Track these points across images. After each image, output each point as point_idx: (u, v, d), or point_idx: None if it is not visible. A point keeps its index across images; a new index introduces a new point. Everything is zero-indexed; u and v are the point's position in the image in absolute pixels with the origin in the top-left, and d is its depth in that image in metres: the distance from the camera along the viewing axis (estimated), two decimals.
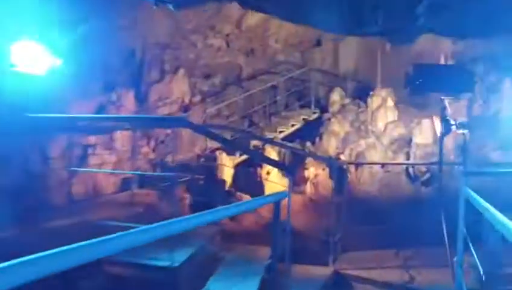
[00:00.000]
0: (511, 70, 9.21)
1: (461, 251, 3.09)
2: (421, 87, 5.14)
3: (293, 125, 9.63)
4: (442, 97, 6.42)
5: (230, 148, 7.46)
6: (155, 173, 7.28)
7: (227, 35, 10.12)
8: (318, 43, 12.61)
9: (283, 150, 8.42)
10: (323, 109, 10.10)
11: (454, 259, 3.78)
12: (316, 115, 9.93)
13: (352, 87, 12.57)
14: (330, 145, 8.06)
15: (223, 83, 11.74)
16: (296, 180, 7.41)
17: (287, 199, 3.15)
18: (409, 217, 6.35)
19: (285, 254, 3.53)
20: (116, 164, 7.45)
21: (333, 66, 13.11)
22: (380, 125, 8.29)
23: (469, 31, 10.50)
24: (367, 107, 8.70)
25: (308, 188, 7.38)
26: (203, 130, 6.34)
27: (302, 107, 11.44)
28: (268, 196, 3.05)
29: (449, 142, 7.71)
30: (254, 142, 8.97)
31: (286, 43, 11.35)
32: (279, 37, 10.87)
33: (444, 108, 5.13)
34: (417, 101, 10.74)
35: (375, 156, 7.55)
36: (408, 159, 7.46)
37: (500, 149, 7.99)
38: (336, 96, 9.37)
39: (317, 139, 8.32)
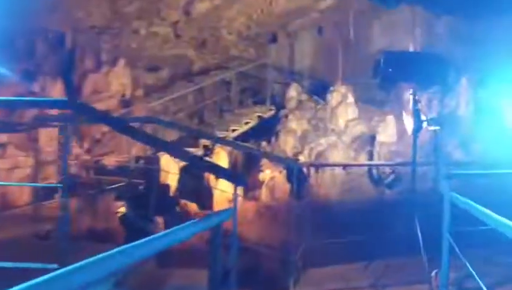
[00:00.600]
0: (467, 70, 8.69)
1: (446, 263, 2.59)
2: (392, 76, 4.27)
3: (246, 123, 8.58)
4: (411, 91, 5.65)
5: (154, 147, 6.26)
6: (42, 185, 5.59)
7: (175, 23, 8.89)
8: (274, 39, 11.67)
9: (235, 151, 7.36)
10: (280, 106, 9.13)
11: (433, 273, 3.44)
12: (271, 112, 8.94)
13: (309, 85, 11.75)
14: (287, 144, 7.08)
15: (171, 77, 10.48)
16: (250, 184, 6.38)
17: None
18: (377, 225, 5.50)
19: (229, 278, 2.50)
20: (36, 168, 6.04)
21: (289, 63, 12.23)
22: (341, 122, 7.43)
23: None
24: (326, 103, 7.83)
25: (264, 193, 6.37)
26: (113, 122, 5.11)
27: (257, 104, 10.43)
28: (202, 220, 1.93)
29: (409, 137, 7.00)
30: (203, 142, 7.83)
31: (240, 36, 10.28)
32: (233, 29, 9.79)
33: (416, 102, 4.29)
34: (378, 98, 10.05)
35: (336, 155, 6.67)
36: (371, 159, 6.64)
37: (460, 147, 7.42)
38: (293, 92, 8.43)
39: (273, 138, 7.32)
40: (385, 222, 5.53)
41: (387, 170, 6.36)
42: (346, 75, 11.74)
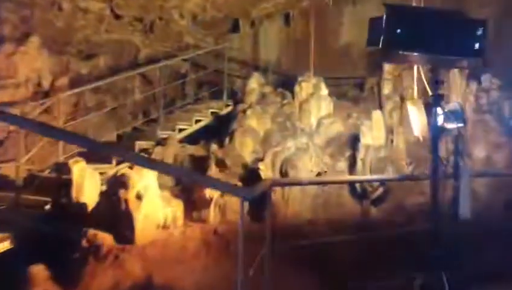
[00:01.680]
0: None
1: None
2: (401, 40, 2.49)
3: (198, 121, 6.67)
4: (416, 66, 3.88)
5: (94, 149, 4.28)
6: None
7: None
8: (235, 28, 9.79)
9: (180, 156, 5.43)
10: (240, 102, 7.29)
11: None
12: (229, 109, 7.05)
13: (275, 79, 9.98)
14: (246, 147, 5.18)
15: (111, 66, 8.38)
16: (194, 202, 4.49)
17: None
18: (363, 255, 3.78)
19: None
20: None
21: (253, 55, 10.41)
22: (312, 120, 5.69)
23: None
24: (294, 97, 6.04)
25: (212, 214, 4.48)
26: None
27: (213, 99, 8.54)
28: None
29: (399, 140, 5.30)
30: (141, 144, 5.85)
31: (195, 21, 8.32)
32: (185, 10, 7.82)
33: (437, 83, 2.54)
34: (350, 94, 8.37)
35: (308, 163, 4.87)
36: (353, 167, 4.89)
37: None
38: (253, 83, 6.55)
39: (227, 139, 5.41)
40: (373, 253, 3.80)
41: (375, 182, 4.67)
42: (316, 68, 10.12)
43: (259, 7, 8.47)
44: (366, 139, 4.73)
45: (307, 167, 4.72)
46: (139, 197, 3.72)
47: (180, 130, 6.36)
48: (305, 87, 5.84)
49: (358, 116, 5.78)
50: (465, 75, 5.66)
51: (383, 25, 2.60)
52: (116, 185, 3.77)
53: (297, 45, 10.26)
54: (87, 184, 4.54)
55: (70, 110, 6.53)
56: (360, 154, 4.66)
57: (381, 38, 2.60)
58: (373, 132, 4.83)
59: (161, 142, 5.92)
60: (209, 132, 6.68)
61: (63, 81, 6.55)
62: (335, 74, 10.10)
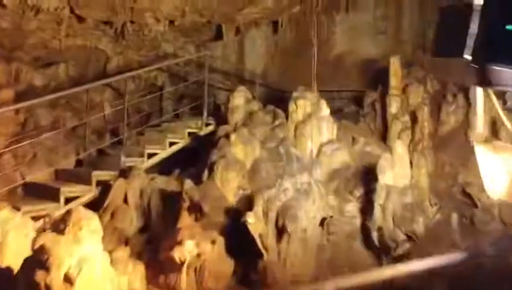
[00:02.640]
0: None
1: None
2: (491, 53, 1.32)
3: (172, 143, 5.31)
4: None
5: None
6: None
7: None
8: (219, 36, 8.52)
9: (148, 192, 4.07)
10: (224, 120, 5.96)
11: None
12: (210, 128, 5.74)
13: (261, 94, 8.74)
14: (228, 184, 3.90)
15: (75, 77, 6.97)
16: (162, 263, 3.16)
17: None
18: None
19: None
20: None
21: (237, 65, 9.15)
22: (309, 146, 4.42)
23: None
24: (288, 117, 4.74)
25: (185, 280, 3.15)
26: None
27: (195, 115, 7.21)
28: None
29: (420, 174, 4.00)
30: (99, 175, 4.46)
31: (172, 26, 6.99)
32: (160, 14, 6.48)
33: None
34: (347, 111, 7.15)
35: (310, 208, 3.56)
36: (367, 211, 3.61)
37: None
38: (238, 98, 5.19)
39: (205, 174, 4.07)
40: None
41: (400, 234, 3.41)
42: (306, 80, 8.94)
43: (245, 12, 7.21)
44: (386, 178, 3.49)
45: (308, 215, 3.43)
46: (69, 280, 2.37)
47: (150, 155, 5.00)
48: (302, 105, 4.58)
49: (366, 141, 4.56)
50: None
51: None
52: (33, 264, 2.40)
53: (286, 54, 9.06)
54: (13, 240, 3.15)
55: (14, 130, 5.10)
56: (379, 198, 3.41)
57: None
58: (395, 167, 3.59)
59: (125, 172, 4.56)
60: (186, 157, 5.33)
61: (7, 94, 5.11)
62: (326, 86, 8.94)
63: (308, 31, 8.78)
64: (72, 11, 5.75)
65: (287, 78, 8.95)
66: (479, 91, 4.39)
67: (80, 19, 6.02)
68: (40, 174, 4.88)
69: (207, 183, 3.74)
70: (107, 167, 4.56)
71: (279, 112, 4.75)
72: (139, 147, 4.83)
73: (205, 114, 5.45)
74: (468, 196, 3.88)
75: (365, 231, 3.50)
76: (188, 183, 3.65)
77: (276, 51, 9.08)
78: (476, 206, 3.86)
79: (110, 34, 6.78)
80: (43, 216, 3.73)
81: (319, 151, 4.33)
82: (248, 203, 3.63)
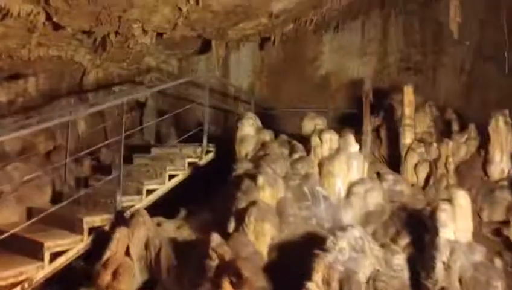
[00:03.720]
0: None
1: None
2: None
3: (172, 177, 4.46)
4: None
5: None
6: None
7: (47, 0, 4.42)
8: (203, 50, 7.75)
9: (156, 243, 3.21)
10: (222, 146, 5.21)
11: None
12: (210, 156, 4.96)
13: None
14: (263, 238, 3.10)
15: (46, 93, 5.85)
16: None
17: None
18: None
19: None
20: None
21: (221, 83, 8.44)
22: (338, 185, 3.84)
23: None
24: (310, 150, 4.10)
25: None
26: None
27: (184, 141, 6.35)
28: None
29: None
30: (92, 221, 3.50)
31: (160, 38, 6.12)
32: (149, 25, 5.59)
33: None
34: None
35: (367, 268, 2.96)
36: (426, 271, 3.00)
37: None
38: (248, 128, 4.41)
39: (231, 225, 3.25)
40: None
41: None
42: (293, 98, 8.44)
43: (238, 28, 6.53)
44: (447, 232, 2.97)
45: (365, 275, 2.82)
46: None
47: (148, 191, 4.12)
48: (327, 140, 3.98)
49: (395, 179, 4.07)
50: None
51: None
52: None
53: (272, 72, 8.52)
54: None
55: None
56: (441, 255, 2.88)
57: None
58: (457, 223, 3.07)
59: (121, 216, 3.67)
60: (185, 191, 4.52)
61: None
62: (311, 105, 8.52)
63: (295, 50, 8.32)
64: (48, 17, 4.70)
65: (273, 96, 8.44)
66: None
67: (57, 27, 4.97)
68: (8, 216, 3.83)
69: (238, 238, 3.00)
70: (98, 208, 3.63)
71: (296, 144, 4.13)
72: (136, 183, 3.94)
73: (205, 141, 4.67)
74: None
75: (417, 287, 2.97)
76: (216, 239, 2.89)
77: (263, 68, 8.51)
78: None
79: (89, 45, 5.76)
80: (20, 282, 2.77)
81: (348, 191, 3.76)
82: (284, 258, 2.94)
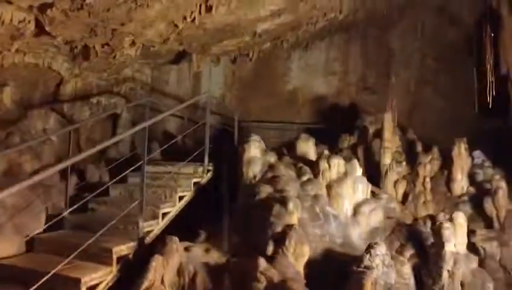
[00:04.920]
0: None
1: None
2: None
3: (180, 198, 4.42)
4: None
5: None
6: None
7: (40, 7, 4.06)
8: (175, 60, 7.66)
9: (189, 268, 3.23)
10: (218, 162, 5.28)
11: None
12: (209, 175, 5.02)
13: (216, 122, 8.21)
14: (302, 260, 3.31)
15: (17, 102, 5.34)
16: None
17: None
18: None
19: None
20: None
21: (192, 93, 8.43)
22: (346, 206, 4.24)
23: None
24: (318, 172, 4.44)
25: None
26: None
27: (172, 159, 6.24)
28: None
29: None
30: (120, 251, 3.37)
31: (147, 50, 5.96)
32: (140, 39, 5.42)
33: None
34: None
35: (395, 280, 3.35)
36: (431, 278, 3.53)
37: None
38: (254, 150, 4.60)
39: (270, 247, 3.37)
40: None
41: None
42: (262, 111, 8.75)
43: (222, 44, 6.66)
44: (451, 246, 3.56)
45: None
46: None
47: (163, 215, 4.09)
48: (336, 164, 4.36)
49: (388, 198, 4.63)
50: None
51: None
52: None
53: (243, 85, 8.76)
54: None
55: None
56: (447, 265, 3.45)
57: None
58: (457, 238, 3.69)
59: (143, 243, 3.63)
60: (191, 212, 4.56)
61: None
62: (280, 118, 8.96)
63: (266, 65, 8.66)
64: (37, 26, 4.37)
65: (243, 109, 8.65)
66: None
67: (38, 33, 4.62)
68: (6, 248, 3.55)
69: (280, 260, 3.21)
70: (118, 235, 3.54)
71: (303, 166, 4.46)
72: (151, 206, 3.90)
73: (206, 160, 4.76)
74: None
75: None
76: (263, 262, 3.07)
77: (234, 80, 8.70)
78: None
79: (66, 52, 5.41)
80: None
81: (355, 210, 4.21)
82: (317, 275, 3.24)
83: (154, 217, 3.84)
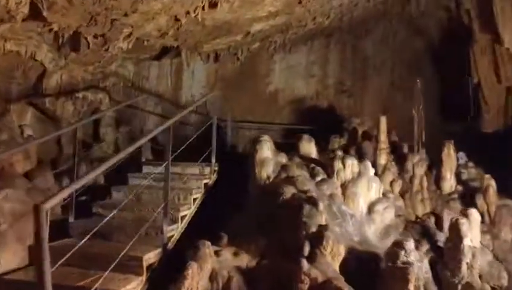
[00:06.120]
0: None
1: None
2: None
3: (195, 199, 4.18)
4: None
5: None
6: None
7: None
8: (157, 56, 7.30)
9: (223, 274, 3.02)
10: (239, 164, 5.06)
11: None
12: (214, 177, 4.81)
13: (198, 122, 7.99)
14: (339, 259, 3.25)
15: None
16: None
17: None
18: None
19: None
20: None
21: (174, 91, 8.12)
22: (361, 204, 4.30)
23: None
24: (332, 172, 4.45)
25: None
26: None
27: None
28: None
29: None
30: (150, 257, 3.06)
31: (141, 44, 5.59)
32: (137, 32, 5.07)
33: None
34: None
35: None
36: (450, 270, 3.65)
37: None
38: (266, 151, 4.49)
39: (306, 247, 3.24)
40: None
41: (488, 288, 3.68)
42: (245, 111, 8.66)
43: (214, 42, 6.48)
44: (468, 240, 3.79)
45: None
46: None
47: (182, 217, 3.86)
48: (350, 165, 4.43)
49: (394, 196, 4.82)
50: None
51: None
52: None
53: (226, 84, 8.60)
54: None
55: None
56: (466, 257, 3.65)
57: None
58: (472, 232, 3.93)
59: (166, 248, 3.39)
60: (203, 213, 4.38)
61: None
62: (261, 119, 8.97)
63: (248, 66, 8.58)
64: (31, 9, 3.92)
65: (225, 108, 8.49)
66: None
67: (29, 19, 4.16)
68: (10, 259, 3.15)
69: (319, 260, 3.17)
70: (140, 241, 3.28)
71: (315, 166, 4.49)
72: (171, 209, 3.67)
73: (214, 160, 4.62)
74: None
75: (438, 283, 3.71)
76: (305, 263, 3.02)
77: (216, 79, 8.53)
78: None
79: (50, 41, 4.93)
80: None
81: (369, 209, 4.32)
82: (351, 273, 3.27)
83: (174, 220, 3.61)
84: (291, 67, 8.87)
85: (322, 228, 3.27)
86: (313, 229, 3.31)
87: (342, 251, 3.17)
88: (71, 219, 3.58)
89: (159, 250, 3.24)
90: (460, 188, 5.20)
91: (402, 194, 5.21)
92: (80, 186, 2.29)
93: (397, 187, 5.18)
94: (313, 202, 3.50)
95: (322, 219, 3.46)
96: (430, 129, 7.56)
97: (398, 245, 3.34)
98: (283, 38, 7.37)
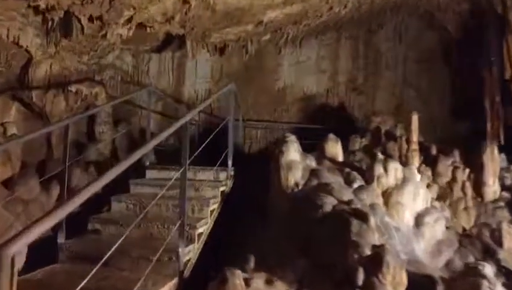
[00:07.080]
0: None
1: None
2: None
3: (210, 213, 3.44)
4: None
5: None
6: None
7: None
8: (157, 48, 6.55)
9: None
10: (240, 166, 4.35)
11: None
12: (231, 184, 4.07)
13: (205, 121, 7.31)
14: (400, 288, 2.60)
15: None
16: None
17: None
18: None
19: None
20: None
21: (176, 87, 7.37)
22: (407, 216, 3.58)
23: None
24: (370, 177, 3.74)
25: None
26: None
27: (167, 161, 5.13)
28: None
29: None
30: None
31: (144, 32, 4.81)
32: (139, 16, 4.29)
33: None
34: None
35: None
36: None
37: None
38: (294, 153, 3.77)
39: (361, 276, 2.56)
40: None
41: None
42: (251, 108, 7.94)
43: (223, 32, 5.74)
44: None
45: None
46: None
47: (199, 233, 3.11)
48: (393, 170, 3.71)
49: (442, 206, 4.13)
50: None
51: None
52: None
53: (231, 80, 7.85)
54: None
55: None
56: None
57: None
58: None
59: (182, 277, 2.65)
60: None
61: None
62: (268, 117, 8.31)
63: (256, 61, 7.87)
64: None
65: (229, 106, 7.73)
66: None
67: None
68: None
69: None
70: (151, 268, 2.52)
71: (350, 171, 3.79)
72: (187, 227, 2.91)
73: (230, 165, 3.88)
74: None
75: None
76: None
77: (221, 74, 7.79)
78: None
79: (36, 24, 4.14)
80: None
81: (417, 221, 3.63)
82: None
83: (191, 240, 2.87)
84: (300, 63, 8.17)
85: (380, 250, 2.56)
86: (366, 250, 2.60)
87: (405, 280, 2.47)
88: (61, 239, 2.80)
89: (175, 281, 2.49)
90: (506, 194, 4.54)
91: (438, 200, 4.53)
92: (66, 213, 1.52)
93: (433, 193, 4.50)
94: (362, 216, 2.79)
95: (375, 238, 2.75)
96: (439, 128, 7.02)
97: (475, 273, 2.64)
98: (295, 30, 6.65)
